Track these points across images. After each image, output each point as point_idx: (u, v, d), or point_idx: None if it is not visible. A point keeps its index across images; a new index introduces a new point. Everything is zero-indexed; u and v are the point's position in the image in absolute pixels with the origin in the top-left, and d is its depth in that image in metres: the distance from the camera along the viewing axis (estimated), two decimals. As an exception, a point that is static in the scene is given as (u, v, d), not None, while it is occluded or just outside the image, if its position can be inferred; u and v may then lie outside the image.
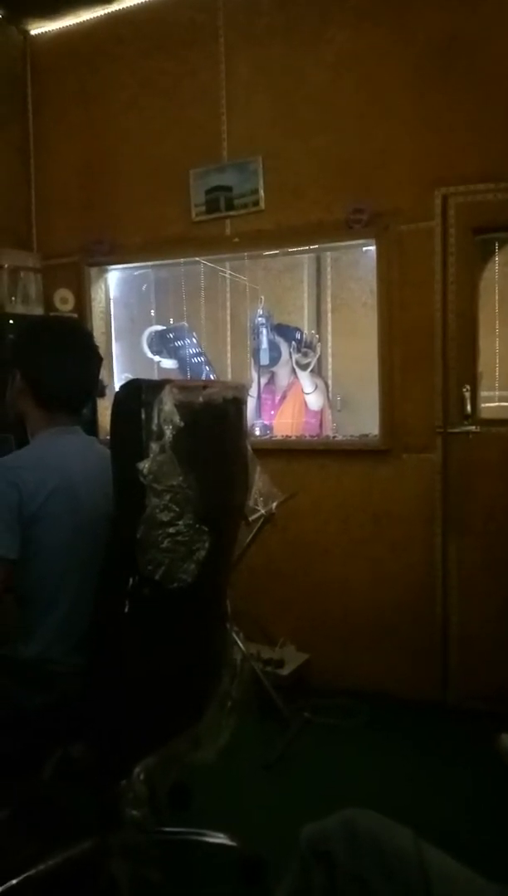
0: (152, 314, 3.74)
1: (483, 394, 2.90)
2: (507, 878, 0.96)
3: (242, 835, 1.80)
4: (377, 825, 0.98)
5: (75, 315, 3.33)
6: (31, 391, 1.55)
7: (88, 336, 1.72)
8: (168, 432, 1.27)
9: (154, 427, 1.26)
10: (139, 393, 1.27)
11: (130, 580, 1.31)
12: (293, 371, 3.45)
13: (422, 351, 2.69)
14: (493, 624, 2.64)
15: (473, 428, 2.64)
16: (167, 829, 1.78)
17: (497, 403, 3.34)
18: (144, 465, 1.25)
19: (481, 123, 2.56)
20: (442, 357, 2.66)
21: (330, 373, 4.00)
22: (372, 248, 2.82)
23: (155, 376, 3.66)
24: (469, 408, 2.63)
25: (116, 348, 3.54)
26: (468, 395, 2.63)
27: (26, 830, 1.83)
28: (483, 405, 2.86)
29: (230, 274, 3.66)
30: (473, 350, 2.66)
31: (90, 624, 1.42)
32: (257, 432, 3.32)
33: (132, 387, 1.29)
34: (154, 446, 1.26)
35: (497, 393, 3.36)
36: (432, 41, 2.60)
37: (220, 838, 1.80)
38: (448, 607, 2.71)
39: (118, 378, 3.49)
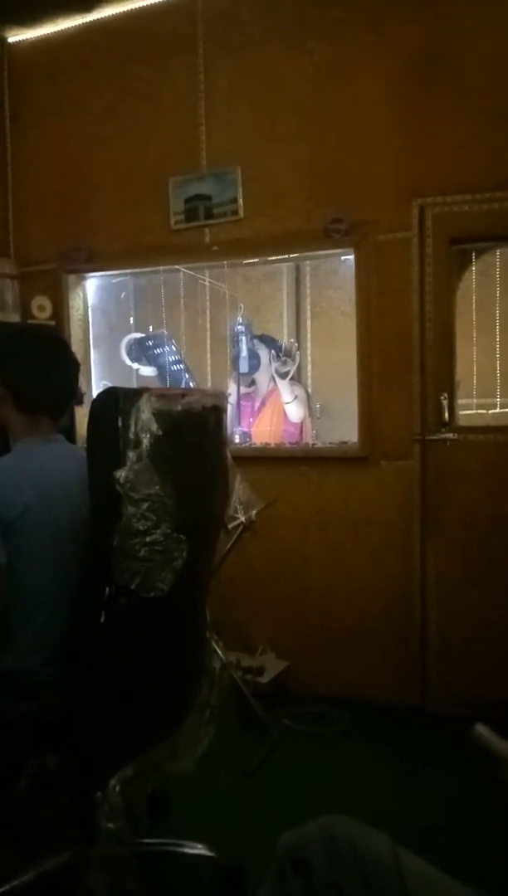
0: (131, 322, 3.74)
1: (461, 401, 2.93)
2: (485, 882, 0.97)
3: (221, 844, 1.78)
4: (355, 832, 0.98)
5: (53, 322, 3.32)
6: (12, 398, 1.55)
7: (63, 341, 1.74)
8: (146, 441, 1.26)
9: (131, 435, 1.26)
10: (116, 401, 1.26)
11: (107, 589, 1.30)
12: (273, 379, 3.46)
13: (400, 359, 2.71)
14: (472, 630, 2.66)
15: (451, 435, 2.67)
16: (145, 840, 1.76)
17: (474, 411, 3.39)
18: (121, 474, 1.24)
19: (458, 135, 2.60)
20: (420, 365, 2.69)
21: (309, 380, 4.04)
22: (351, 257, 2.84)
23: (134, 384, 3.65)
24: (446, 415, 2.66)
25: (94, 356, 3.52)
26: (445, 402, 2.66)
27: (1, 844, 1.80)
28: (461, 413, 2.90)
29: (210, 282, 3.67)
30: (450, 358, 2.69)
31: (68, 634, 1.41)
32: (237, 440, 3.32)
33: (109, 395, 1.29)
34: (131, 455, 1.26)
35: (474, 401, 3.42)
36: (410, 53, 2.64)
37: (198, 849, 1.78)
38: (427, 614, 2.73)
39: (96, 386, 3.48)
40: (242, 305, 3.56)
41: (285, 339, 3.72)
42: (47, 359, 1.58)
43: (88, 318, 3.47)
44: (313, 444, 3.21)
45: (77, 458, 1.52)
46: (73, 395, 1.69)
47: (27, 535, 1.40)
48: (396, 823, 1.10)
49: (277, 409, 3.47)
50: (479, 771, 2.28)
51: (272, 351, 3.47)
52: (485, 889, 0.95)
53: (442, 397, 2.66)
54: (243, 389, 3.53)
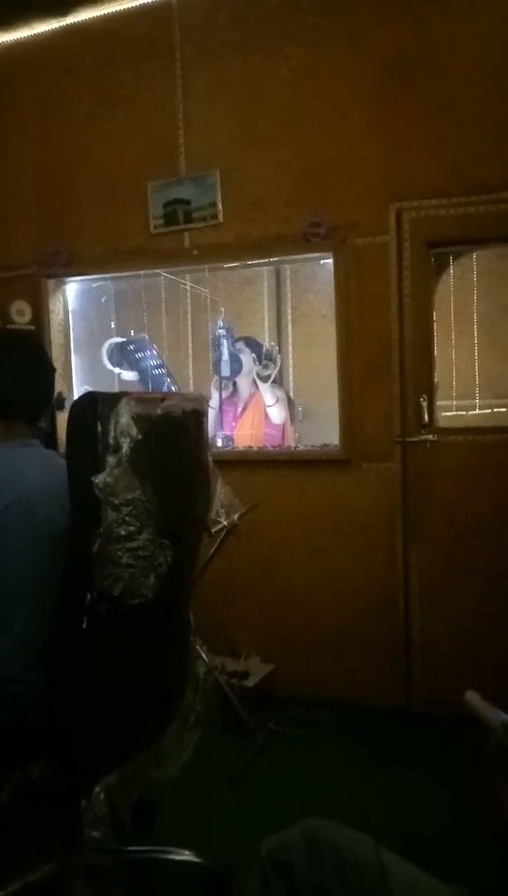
0: (112, 326, 3.73)
1: (441, 403, 2.96)
2: (470, 882, 0.97)
3: (207, 850, 1.78)
4: (338, 835, 0.99)
5: (33, 327, 3.30)
6: None
7: (39, 345, 1.73)
8: (125, 445, 1.26)
9: (110, 440, 1.25)
10: (95, 405, 1.25)
11: (88, 596, 1.29)
12: (255, 383, 3.47)
13: (380, 362, 2.73)
14: (454, 629, 2.68)
15: (431, 437, 2.69)
16: (131, 847, 1.75)
17: (454, 413, 3.42)
18: (100, 479, 1.24)
19: (434, 140, 2.63)
20: (400, 367, 2.70)
21: (291, 384, 4.05)
22: (330, 260, 2.86)
23: (116, 388, 3.64)
24: (426, 417, 2.68)
25: (75, 361, 3.51)
26: (425, 404, 2.68)
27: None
28: (442, 414, 2.92)
29: (191, 286, 3.67)
30: (429, 360, 2.72)
31: (48, 640, 1.40)
32: (219, 444, 3.32)
33: (88, 399, 1.28)
34: (111, 459, 1.25)
35: (454, 402, 3.45)
36: (387, 59, 2.66)
37: (185, 855, 1.78)
38: (410, 614, 2.74)
39: (77, 391, 3.46)
40: (222, 309, 3.56)
41: (267, 343, 3.73)
42: (23, 363, 1.58)
43: (68, 322, 3.45)
44: (296, 447, 3.22)
45: (55, 462, 1.51)
46: (49, 399, 1.69)
47: (3, 540, 1.39)
48: (382, 824, 1.10)
49: (258, 414, 3.48)
50: (465, 770, 2.29)
51: (254, 355, 3.48)
52: (470, 890, 0.96)
53: (422, 399, 2.68)
54: (223, 393, 3.53)
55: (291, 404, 3.62)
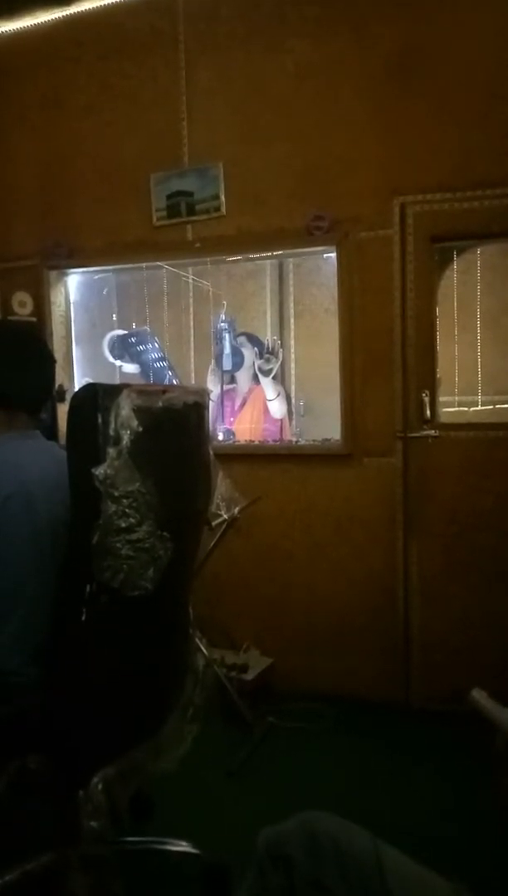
0: (114, 318, 3.71)
1: (444, 399, 2.95)
2: (469, 877, 0.97)
3: (206, 843, 1.78)
4: (336, 827, 0.99)
5: (34, 319, 3.29)
6: None
7: (39, 337, 1.72)
8: (126, 437, 1.25)
9: (111, 432, 1.24)
10: (95, 397, 1.25)
11: (88, 587, 1.29)
12: (254, 377, 3.46)
13: (382, 357, 2.72)
14: (454, 625, 2.68)
15: (433, 432, 2.68)
16: (128, 839, 1.75)
17: (456, 408, 3.42)
18: (100, 471, 1.23)
19: (437, 134, 2.61)
20: (402, 362, 2.70)
21: (293, 378, 4.04)
22: (333, 255, 2.84)
23: (117, 381, 3.62)
24: (428, 412, 2.67)
25: (76, 352, 3.50)
26: (427, 399, 2.67)
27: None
28: (444, 410, 2.91)
29: (193, 279, 3.66)
30: (432, 356, 2.71)
31: (48, 633, 1.40)
32: (221, 437, 3.31)
33: (88, 391, 1.27)
34: (111, 451, 1.24)
35: (456, 398, 3.44)
36: (389, 53, 2.64)
37: (182, 846, 1.78)
38: (410, 609, 2.74)
39: (78, 382, 3.45)
40: (225, 303, 3.55)
41: (269, 337, 3.72)
42: (24, 355, 1.58)
43: (70, 314, 3.45)
44: (297, 442, 3.22)
45: (55, 454, 1.51)
46: (50, 391, 1.69)
47: (4, 530, 1.39)
48: (380, 819, 1.10)
49: (257, 408, 3.47)
50: (463, 765, 2.30)
51: (256, 349, 3.47)
52: (468, 884, 0.96)
53: (424, 394, 2.67)
54: (224, 387, 3.52)
55: (288, 401, 3.61)
